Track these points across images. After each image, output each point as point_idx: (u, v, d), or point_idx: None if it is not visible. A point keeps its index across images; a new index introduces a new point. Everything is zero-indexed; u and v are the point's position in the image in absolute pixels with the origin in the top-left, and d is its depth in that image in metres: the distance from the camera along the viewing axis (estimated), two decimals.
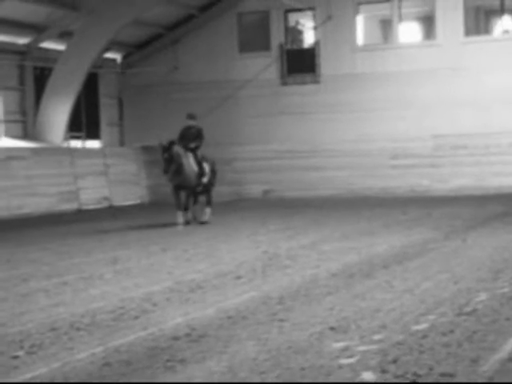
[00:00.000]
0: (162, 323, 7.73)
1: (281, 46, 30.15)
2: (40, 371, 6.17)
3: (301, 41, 31.23)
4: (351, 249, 13.11)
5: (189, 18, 30.99)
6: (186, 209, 18.83)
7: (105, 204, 28.39)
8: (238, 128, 30.10)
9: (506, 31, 28.67)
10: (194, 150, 19.24)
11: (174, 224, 18.46)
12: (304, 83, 29.86)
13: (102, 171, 28.97)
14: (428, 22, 29.90)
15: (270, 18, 30.15)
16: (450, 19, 28.40)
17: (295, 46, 30.67)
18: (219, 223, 19.20)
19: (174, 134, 30.64)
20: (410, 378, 5.63)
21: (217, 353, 6.52)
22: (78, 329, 7.65)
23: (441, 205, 22.85)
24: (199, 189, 19.35)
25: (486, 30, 30.12)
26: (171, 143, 18.74)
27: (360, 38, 29.82)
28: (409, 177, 28.40)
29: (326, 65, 29.65)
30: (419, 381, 5.58)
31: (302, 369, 5.94)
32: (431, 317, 7.57)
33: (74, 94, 28.13)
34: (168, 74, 31.16)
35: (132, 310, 8.46)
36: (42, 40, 28.00)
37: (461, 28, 28.46)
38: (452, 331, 6.95)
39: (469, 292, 8.76)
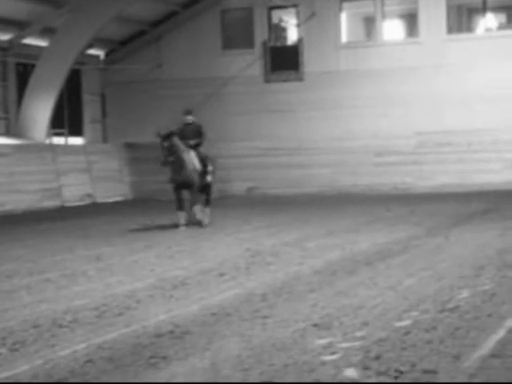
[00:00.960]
0: (145, 320, 7.72)
1: (264, 44, 30.15)
2: (22, 368, 6.15)
3: (284, 38, 31.22)
4: (335, 246, 13.13)
5: (172, 15, 30.94)
6: (194, 205, 17.51)
7: (88, 201, 28.31)
8: (222, 125, 30.07)
9: (489, 29, 28.77)
10: (195, 148, 17.97)
11: (176, 226, 17.22)
12: (288, 80, 29.86)
13: (84, 168, 28.88)
14: (411, 20, 29.97)
15: (254, 15, 30.14)
16: (433, 17, 28.48)
17: (279, 44, 30.67)
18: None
19: (157, 131, 30.70)
20: (392, 374, 5.65)
21: (200, 350, 6.52)
22: (61, 326, 7.63)
23: (424, 202, 22.92)
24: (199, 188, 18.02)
25: (469, 27, 30.21)
26: (170, 133, 17.44)
27: (343, 36, 29.85)
28: (392, 174, 28.47)
29: (310, 62, 29.67)
30: (401, 377, 5.60)
31: (285, 365, 5.94)
32: (414, 313, 7.59)
33: (57, 91, 28.03)
34: (151, 71, 31.10)
35: (115, 307, 8.44)
36: (25, 36, 27.87)
37: (443, 26, 28.55)
38: (434, 328, 6.98)
39: (451, 289, 8.79)
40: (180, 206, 17.52)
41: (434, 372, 5.67)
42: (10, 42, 27.76)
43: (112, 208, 26.16)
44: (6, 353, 6.67)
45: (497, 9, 29.67)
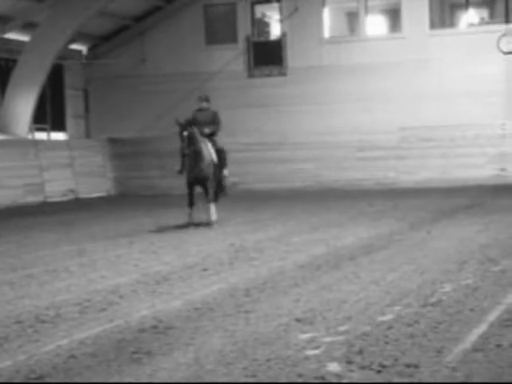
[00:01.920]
0: (128, 315, 7.72)
1: (247, 38, 30.13)
2: (5, 364, 6.14)
3: (267, 33, 31.21)
4: (318, 241, 13.15)
5: (155, 10, 30.87)
6: (210, 202, 16.34)
7: (71, 196, 28.23)
8: None
9: (471, 24, 28.87)
10: (210, 137, 16.59)
11: (186, 225, 16.18)
12: (271, 75, 29.87)
13: (67, 163, 28.79)
14: (394, 15, 30.02)
15: (237, 10, 30.11)
16: (416, 12, 28.54)
17: (262, 39, 30.65)
18: (184, 216, 19.15)
19: (140, 126, 30.66)
20: (375, 368, 5.67)
21: (183, 344, 6.53)
22: (44, 321, 7.61)
23: (407, 197, 22.98)
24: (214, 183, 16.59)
25: (451, 23, 30.29)
26: (190, 121, 16.06)
27: (326, 31, 29.87)
28: (375, 169, 28.52)
29: (293, 57, 29.67)
30: (384, 371, 5.62)
31: (268, 360, 5.96)
32: (397, 308, 7.62)
33: (39, 86, 27.91)
34: (134, 66, 31.02)
35: (98, 303, 8.43)
36: (6, 31, 27.71)
37: (426, 21, 28.62)
38: (417, 322, 7.01)
39: (434, 283, 8.83)
40: (191, 202, 16.33)
41: (416, 366, 5.70)
42: None
43: (95, 203, 26.09)
44: None
45: (479, 4, 29.77)
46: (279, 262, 10.88)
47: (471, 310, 7.47)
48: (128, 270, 10.72)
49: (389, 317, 7.26)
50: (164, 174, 29.34)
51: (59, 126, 30.89)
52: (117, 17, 30.50)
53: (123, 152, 30.31)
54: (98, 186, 29.86)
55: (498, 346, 6.16)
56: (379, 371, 5.62)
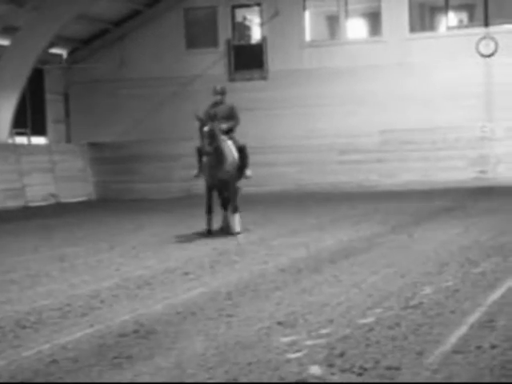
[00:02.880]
0: (109, 320, 7.70)
1: (228, 42, 30.14)
2: None
3: (248, 37, 31.24)
4: (299, 244, 13.16)
5: (136, 14, 30.83)
6: (224, 209, 15.00)
7: (51, 201, 28.14)
8: (186, 124, 29.97)
9: (451, 28, 29.00)
10: (228, 133, 15.00)
11: (203, 233, 14.88)
12: (252, 79, 29.89)
13: (48, 168, 28.70)
14: (374, 19, 30.13)
15: (217, 14, 30.13)
16: (396, 16, 28.65)
17: (243, 42, 30.68)
18: (167, 220, 19.14)
19: (121, 131, 30.60)
20: (356, 371, 5.69)
21: (165, 349, 6.52)
22: (25, 326, 7.58)
23: (388, 200, 23.04)
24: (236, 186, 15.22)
25: (431, 26, 30.42)
26: (210, 116, 14.49)
27: (307, 34, 29.93)
28: (357, 172, 28.60)
29: (274, 61, 29.71)
30: (365, 374, 5.64)
31: (250, 363, 5.96)
32: (378, 310, 7.64)
33: (19, 90, 27.81)
34: (115, 70, 30.96)
35: (79, 307, 8.41)
36: None
37: (406, 24, 28.74)
38: (398, 324, 7.03)
39: (415, 286, 8.85)
40: (210, 208, 14.76)
41: (397, 368, 5.72)
42: None
43: (76, 208, 26.01)
44: None
45: (458, 7, 29.93)
46: (260, 266, 10.88)
47: (452, 312, 7.50)
48: (109, 274, 10.69)
49: (370, 319, 7.27)
50: (144, 178, 29.32)
51: (39, 130, 30.79)
52: (97, 21, 30.44)
53: (104, 156, 30.25)
54: (78, 191, 29.77)
55: (478, 347, 6.18)
56: (360, 374, 5.64)
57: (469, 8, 30.19)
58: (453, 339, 6.47)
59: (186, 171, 29.59)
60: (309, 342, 6.50)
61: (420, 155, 28.08)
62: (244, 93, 29.79)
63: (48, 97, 31.21)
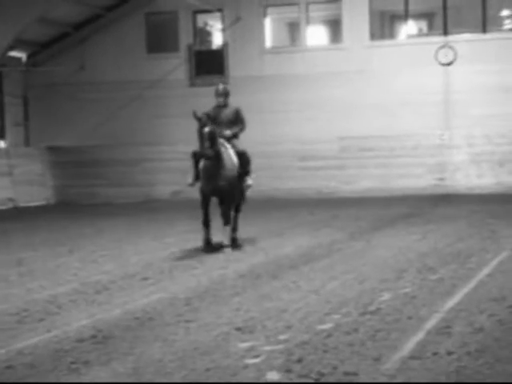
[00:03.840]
0: (66, 325, 7.65)
1: (189, 47, 30.11)
2: None
3: (209, 42, 31.23)
4: (259, 250, 13.18)
5: (96, 18, 30.67)
6: (227, 223, 13.22)
7: (9, 205, 27.86)
8: (147, 128, 29.92)
9: (410, 36, 29.23)
10: (230, 140, 13.75)
11: (203, 249, 13.19)
12: (213, 84, 29.65)
13: (6, 172, 28.42)
14: (335, 26, 30.27)
15: (179, 19, 30.07)
16: (356, 23, 28.81)
17: (204, 47, 30.66)
18: (127, 225, 19.06)
19: (81, 135, 30.41)
20: (314, 377, 5.71)
21: (122, 354, 6.49)
22: None
23: (347, 206, 23.14)
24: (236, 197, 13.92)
25: (391, 34, 30.65)
26: (210, 117, 13.30)
27: (268, 40, 30.00)
28: (316, 178, 28.67)
29: (235, 66, 29.72)
30: (323, 380, 5.66)
31: (208, 369, 5.96)
32: (336, 316, 7.68)
33: None
34: (75, 74, 30.77)
35: (36, 313, 8.34)
36: None
37: (366, 32, 28.90)
38: (356, 330, 7.07)
39: (373, 292, 8.91)
40: (207, 220, 13.45)
41: (354, 374, 5.75)
42: None
43: (34, 212, 25.79)
44: None
45: (418, 16, 30.18)
46: (220, 271, 10.88)
47: (409, 318, 7.56)
48: (67, 279, 10.62)
49: (328, 325, 7.31)
50: (104, 182, 29.18)
51: None
52: (57, 24, 30.23)
53: (63, 160, 30.04)
54: (37, 195, 29.52)
55: (435, 353, 6.24)
56: (318, 379, 5.66)
57: (428, 17, 30.47)
58: (410, 345, 6.52)
59: (146, 176, 29.54)
60: (267, 348, 6.52)
61: (379, 162, 28.24)
62: (205, 98, 29.64)
63: (7, 100, 30.92)
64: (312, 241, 14.20)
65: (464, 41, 28.06)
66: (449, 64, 27.93)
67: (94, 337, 7.12)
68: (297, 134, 28.90)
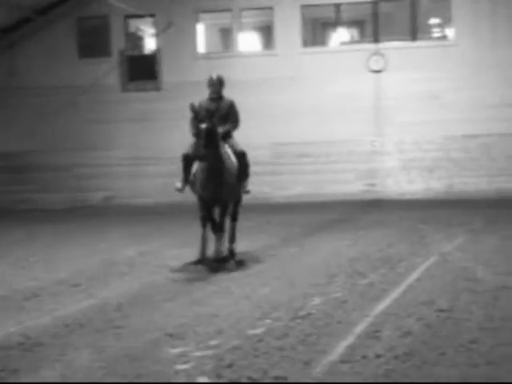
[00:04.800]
0: None
1: (121, 52, 29.93)
2: None
3: (142, 47, 31.10)
4: (192, 255, 13.15)
5: (26, 21, 30.30)
6: (220, 230, 11.86)
7: None
8: (79, 134, 29.65)
9: (342, 43, 29.51)
10: (225, 138, 12.32)
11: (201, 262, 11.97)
12: (145, 90, 29.73)
13: None
14: (267, 32, 30.40)
15: (110, 24, 29.88)
16: (288, 30, 28.98)
17: (136, 53, 30.51)
18: (58, 231, 18.86)
19: (12, 140, 30.01)
20: (244, 381, 5.72)
21: (51, 361, 6.43)
22: None
23: (280, 212, 23.23)
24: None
25: (323, 41, 30.89)
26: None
27: (201, 46, 29.99)
28: (250, 184, 28.68)
29: (168, 72, 29.64)
30: None
31: (138, 376, 5.93)
32: (267, 321, 7.71)
33: None
34: (4, 79, 30.35)
35: None
36: None
37: (298, 39, 29.09)
38: (286, 335, 7.10)
39: (304, 296, 8.97)
40: (212, 222, 12.09)
41: (284, 378, 5.78)
42: None
43: None
44: None
45: (349, 23, 30.49)
46: (152, 277, 10.84)
47: (339, 322, 7.62)
48: None
49: (259, 330, 7.34)
50: (37, 188, 28.85)
51: None
52: None
53: None
54: None
55: (364, 357, 6.31)
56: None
57: (359, 24, 30.77)
58: (340, 349, 6.58)
59: (78, 181, 29.27)
60: (198, 353, 6.52)
61: (313, 168, 28.41)
62: (138, 103, 29.61)
63: None
64: (246, 246, 14.22)
65: (394, 48, 28.42)
66: (380, 71, 28.28)
67: (22, 344, 7.04)
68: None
